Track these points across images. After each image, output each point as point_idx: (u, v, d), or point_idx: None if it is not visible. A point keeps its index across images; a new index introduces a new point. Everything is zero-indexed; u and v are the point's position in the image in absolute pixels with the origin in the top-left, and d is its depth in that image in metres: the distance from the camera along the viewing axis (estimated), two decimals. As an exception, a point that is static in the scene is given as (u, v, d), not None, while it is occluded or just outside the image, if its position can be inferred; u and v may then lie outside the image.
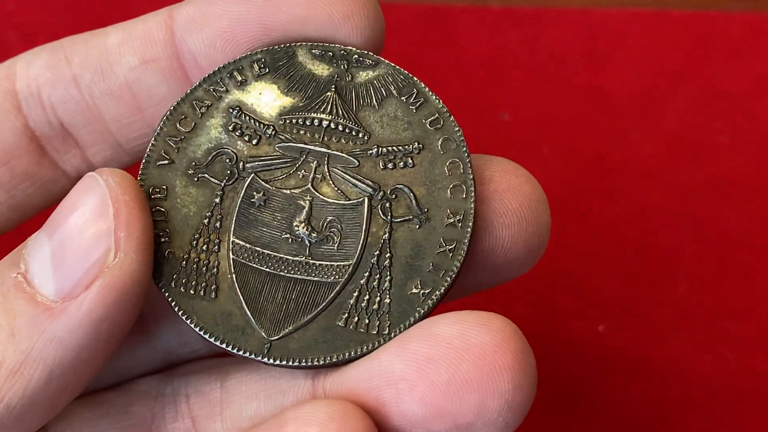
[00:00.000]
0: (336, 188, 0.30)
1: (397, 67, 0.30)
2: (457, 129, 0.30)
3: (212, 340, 0.29)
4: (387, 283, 0.29)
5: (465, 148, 0.30)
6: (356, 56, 0.30)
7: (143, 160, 0.30)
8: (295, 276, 0.29)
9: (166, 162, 0.30)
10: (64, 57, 0.32)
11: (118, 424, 0.31)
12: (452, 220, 0.29)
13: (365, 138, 0.30)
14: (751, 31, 0.47)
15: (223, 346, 0.29)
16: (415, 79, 0.30)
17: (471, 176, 0.29)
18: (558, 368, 0.41)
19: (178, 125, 0.30)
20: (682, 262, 0.43)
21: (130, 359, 0.32)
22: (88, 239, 0.28)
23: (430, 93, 0.30)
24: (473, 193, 0.29)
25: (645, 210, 0.44)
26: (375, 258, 0.29)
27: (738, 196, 0.44)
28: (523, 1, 0.48)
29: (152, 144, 0.30)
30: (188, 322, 0.29)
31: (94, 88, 0.31)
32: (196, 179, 0.30)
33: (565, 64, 0.47)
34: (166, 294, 0.30)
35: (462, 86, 0.46)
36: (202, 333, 0.29)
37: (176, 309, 0.29)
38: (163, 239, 0.30)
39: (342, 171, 0.30)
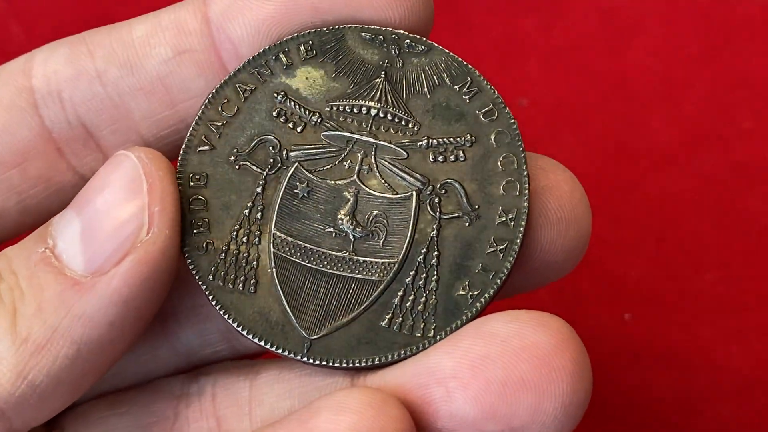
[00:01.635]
0: (383, 181, 0.28)
1: (451, 53, 0.28)
2: (512, 121, 0.28)
3: (250, 336, 0.28)
4: (434, 283, 0.27)
5: (520, 142, 0.28)
6: (408, 41, 0.28)
7: (183, 145, 0.28)
8: (338, 272, 0.28)
9: (207, 148, 0.28)
10: (87, 51, 0.29)
11: (138, 423, 0.29)
12: (504, 219, 0.28)
13: (415, 128, 0.28)
14: (773, 15, 0.46)
15: (262, 343, 0.28)
16: (470, 67, 0.28)
17: (525, 172, 0.28)
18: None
19: (220, 109, 0.28)
20: (708, 250, 0.42)
21: (150, 359, 0.31)
22: (120, 215, 0.26)
23: (485, 82, 0.28)
24: (527, 191, 0.27)
25: (669, 197, 0.43)
26: (422, 256, 0.28)
27: (763, 183, 0.43)
28: (539, -15, 0.47)
29: (193, 128, 0.28)
30: (226, 317, 0.28)
31: (121, 83, 0.29)
32: (237, 167, 0.28)
33: (582, 49, 0.46)
34: (204, 287, 0.28)
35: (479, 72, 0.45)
36: (240, 329, 0.28)
37: (214, 303, 0.28)
38: (201, 229, 0.28)
39: (390, 163, 0.28)
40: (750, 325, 0.41)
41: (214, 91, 0.29)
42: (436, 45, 0.29)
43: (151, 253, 0.26)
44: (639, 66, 0.45)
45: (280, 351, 0.28)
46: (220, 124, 0.28)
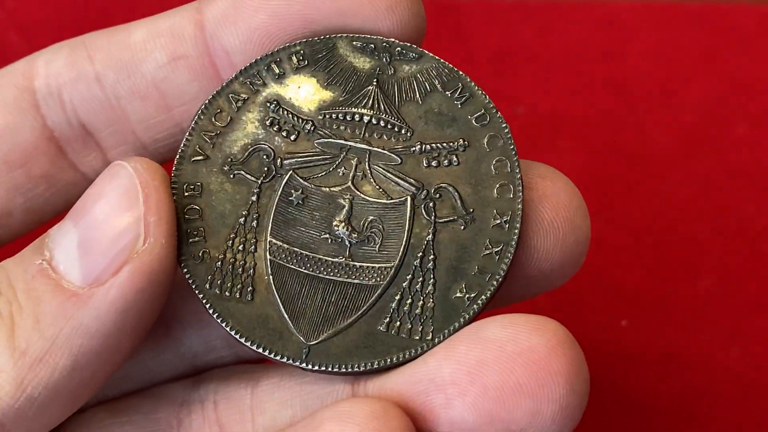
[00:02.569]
0: (377, 187, 0.28)
1: (442, 60, 0.28)
2: (504, 125, 0.28)
3: (249, 344, 0.27)
4: (430, 287, 0.27)
5: (512, 146, 0.28)
6: (399, 49, 0.28)
7: (177, 156, 0.28)
8: (335, 278, 0.28)
9: (201, 158, 0.28)
10: (86, 54, 0.30)
11: (141, 431, 0.29)
12: (499, 221, 0.28)
13: (408, 134, 0.28)
14: (766, 22, 0.46)
15: (260, 350, 0.27)
16: (461, 73, 0.28)
17: (519, 175, 0.28)
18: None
19: (213, 119, 0.28)
20: (706, 255, 0.42)
21: (154, 364, 0.30)
22: (117, 226, 0.26)
23: (476, 88, 0.28)
24: (521, 193, 0.27)
25: (665, 203, 0.43)
26: (418, 260, 0.27)
27: (759, 187, 0.43)
28: (534, -7, 0.47)
29: (186, 139, 0.28)
30: (224, 325, 0.27)
31: (118, 87, 0.29)
32: (232, 176, 0.28)
33: (578, 56, 0.46)
34: (201, 296, 0.28)
35: (475, 80, 0.45)
36: (238, 337, 0.27)
37: (211, 312, 0.28)
38: (197, 238, 0.28)
39: (384, 169, 0.28)
40: (747, 329, 0.41)
41: (207, 101, 0.28)
42: (426, 52, 0.29)
43: (148, 263, 0.26)
44: (635, 72, 0.45)
45: (278, 358, 0.27)
46: (213, 134, 0.28)
